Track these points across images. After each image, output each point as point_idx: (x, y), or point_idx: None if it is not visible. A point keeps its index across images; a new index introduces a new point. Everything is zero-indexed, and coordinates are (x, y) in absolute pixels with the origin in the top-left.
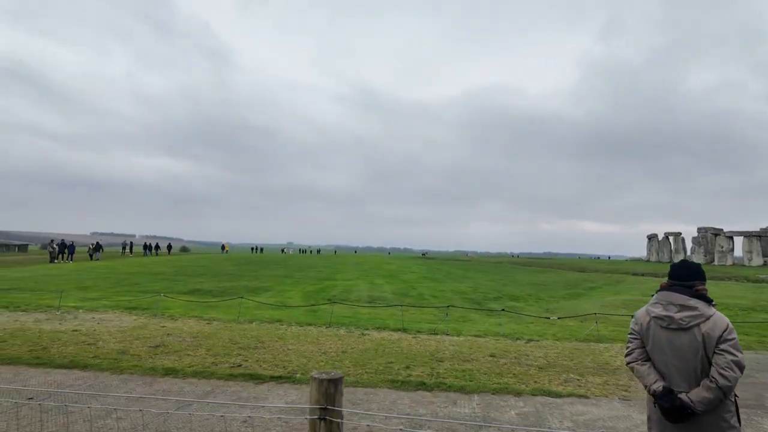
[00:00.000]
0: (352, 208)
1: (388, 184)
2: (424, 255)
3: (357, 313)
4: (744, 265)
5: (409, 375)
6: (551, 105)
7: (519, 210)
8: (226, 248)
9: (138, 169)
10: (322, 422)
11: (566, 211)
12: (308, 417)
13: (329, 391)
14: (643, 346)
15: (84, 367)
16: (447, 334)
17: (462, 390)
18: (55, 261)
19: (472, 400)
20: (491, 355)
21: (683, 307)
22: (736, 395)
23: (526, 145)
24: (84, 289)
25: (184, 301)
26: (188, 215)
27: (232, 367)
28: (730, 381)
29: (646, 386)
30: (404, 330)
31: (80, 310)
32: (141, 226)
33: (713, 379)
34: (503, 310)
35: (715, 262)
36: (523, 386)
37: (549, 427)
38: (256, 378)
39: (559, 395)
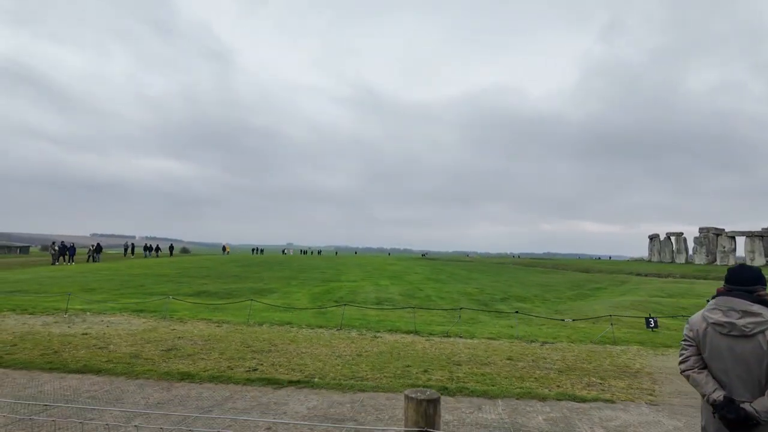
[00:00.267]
0: (352, 209)
1: (388, 184)
2: (424, 256)
3: (366, 315)
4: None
5: (429, 379)
6: (552, 105)
7: (519, 210)
8: (227, 249)
9: (138, 170)
10: None
11: (566, 211)
12: None
13: (428, 412)
14: (699, 353)
15: (98, 371)
16: (460, 337)
17: (485, 395)
18: (57, 263)
19: (496, 405)
20: (508, 359)
21: (746, 313)
22: None
23: (527, 146)
24: (89, 291)
25: (191, 303)
26: (188, 216)
27: (247, 371)
28: None
29: (703, 395)
30: (416, 332)
31: (88, 313)
32: (141, 228)
33: None
34: (516, 312)
35: (717, 263)
36: (547, 390)
37: None
38: (274, 382)
39: (584, 400)
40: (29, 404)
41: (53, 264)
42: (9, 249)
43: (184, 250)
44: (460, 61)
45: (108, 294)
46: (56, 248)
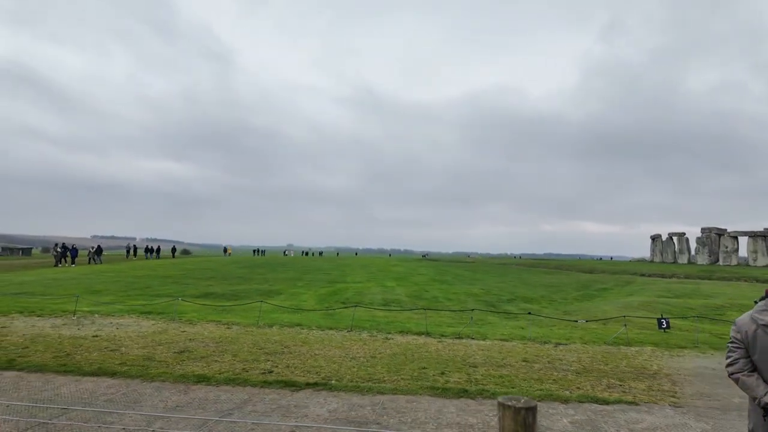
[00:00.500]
0: (352, 210)
1: (388, 185)
2: (425, 256)
3: (375, 316)
4: (749, 265)
5: (447, 381)
6: (552, 106)
7: (519, 211)
8: (229, 251)
9: (138, 171)
10: None
11: (567, 211)
12: None
13: (527, 421)
14: (747, 355)
15: (113, 374)
16: (472, 338)
17: None
18: (60, 265)
19: None
20: (524, 360)
21: None
22: None
23: (527, 146)
24: (95, 293)
25: (199, 304)
26: (188, 217)
27: (263, 373)
28: None
29: (754, 398)
30: (428, 334)
31: (96, 315)
32: (141, 229)
33: None
34: (529, 313)
35: (720, 263)
36: (567, 393)
37: None
38: (291, 385)
39: (606, 402)
40: (47, 408)
41: (56, 266)
42: (11, 251)
43: (185, 252)
44: (460, 62)
45: (114, 296)
46: (59, 250)
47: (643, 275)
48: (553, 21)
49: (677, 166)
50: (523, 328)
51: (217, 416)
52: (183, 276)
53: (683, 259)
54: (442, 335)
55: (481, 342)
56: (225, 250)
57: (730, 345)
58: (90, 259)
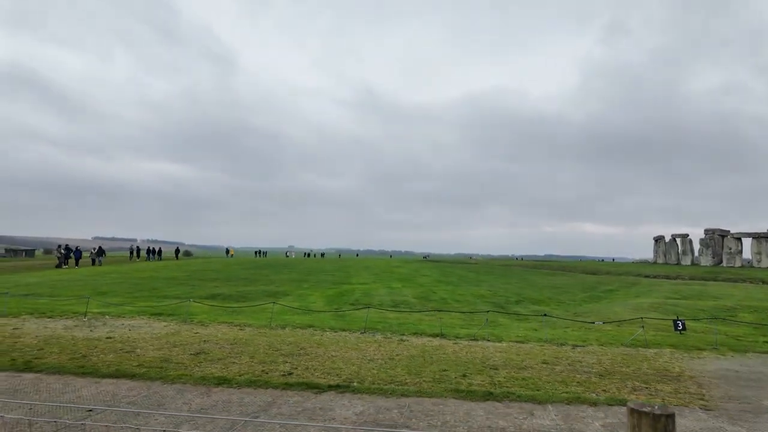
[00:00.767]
0: (353, 211)
1: (388, 186)
2: (426, 258)
3: (386, 318)
4: (753, 267)
5: (470, 384)
6: (553, 107)
7: (520, 212)
8: (231, 252)
9: (139, 173)
10: None
11: (568, 213)
12: None
13: (668, 428)
14: None
15: (132, 376)
16: (488, 340)
17: (533, 400)
18: (64, 266)
19: (547, 410)
20: (544, 362)
21: None
22: None
23: (528, 147)
24: (103, 294)
25: (208, 306)
26: (189, 219)
27: (283, 375)
28: None
29: None
30: (442, 336)
31: (107, 317)
32: (142, 230)
33: None
34: (544, 315)
35: (724, 264)
36: (594, 395)
37: None
38: (313, 387)
39: None
40: (71, 410)
41: (59, 267)
42: (15, 252)
43: (187, 253)
44: (461, 63)
45: (122, 297)
46: (62, 251)
47: (647, 276)
48: (554, 22)
49: (679, 167)
50: (536, 330)
51: (244, 418)
52: (188, 277)
53: (687, 261)
54: (457, 337)
55: (498, 344)
56: (227, 251)
57: None
58: (92, 260)
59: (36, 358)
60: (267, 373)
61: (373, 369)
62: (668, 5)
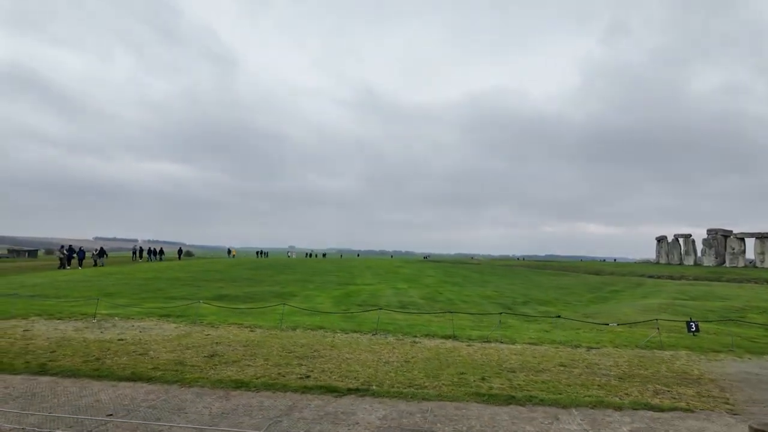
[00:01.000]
0: (353, 211)
1: (388, 186)
2: (426, 258)
3: (395, 319)
4: (757, 267)
5: (491, 387)
6: (554, 107)
7: (520, 212)
8: (233, 253)
9: (139, 173)
10: None
11: (568, 213)
12: None
13: None
14: None
15: (148, 379)
16: (501, 342)
17: (557, 404)
18: (67, 267)
19: (572, 414)
20: (561, 365)
21: None
22: None
23: (528, 147)
24: (109, 295)
25: (216, 307)
26: (189, 219)
27: (300, 378)
28: None
29: None
30: (455, 338)
31: (116, 318)
32: (142, 231)
33: None
34: (558, 316)
35: (727, 264)
36: (617, 399)
37: None
38: (332, 390)
39: (661, 409)
40: (91, 416)
41: (62, 268)
42: (18, 253)
43: (188, 254)
44: (461, 63)
45: (129, 298)
46: (65, 252)
47: (651, 277)
48: (554, 22)
49: (680, 166)
50: (547, 332)
51: (267, 423)
52: (192, 278)
53: (689, 261)
54: (470, 339)
55: (512, 346)
56: (229, 251)
57: None
58: (94, 261)
59: (50, 361)
60: (284, 376)
61: (390, 372)
62: (669, 5)
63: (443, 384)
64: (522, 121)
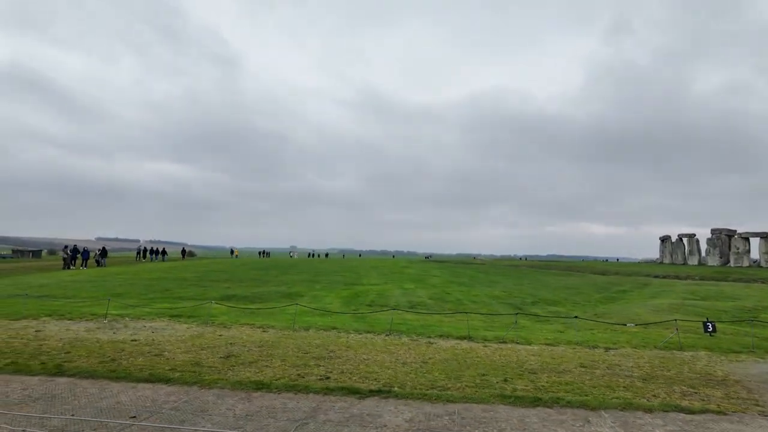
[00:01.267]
0: (354, 211)
1: (389, 186)
2: (428, 258)
3: (406, 320)
4: (762, 267)
5: (515, 389)
6: (555, 107)
7: (522, 212)
8: (236, 252)
9: (141, 173)
10: None
11: (571, 213)
12: None
13: None
14: None
15: (167, 381)
16: (517, 343)
17: (585, 406)
18: (72, 267)
19: (602, 417)
20: (582, 366)
21: None
22: None
23: (529, 147)
24: (117, 296)
25: (226, 307)
26: (190, 219)
27: (320, 379)
28: None
29: None
30: (470, 338)
31: (127, 318)
32: (144, 231)
33: None
34: (576, 317)
35: (731, 264)
36: (645, 401)
37: None
38: (355, 392)
39: (692, 411)
40: (114, 418)
41: (66, 268)
42: (22, 253)
43: (191, 254)
44: (464, 64)
45: (137, 299)
46: (69, 252)
47: (656, 277)
48: (555, 22)
49: (684, 166)
50: (561, 332)
51: (293, 426)
52: (198, 278)
53: (693, 261)
54: (485, 339)
55: (529, 347)
56: (231, 251)
57: None
58: (96, 261)
59: (66, 362)
60: (303, 377)
61: (410, 373)
62: (671, 4)
63: (467, 386)
64: (523, 120)
